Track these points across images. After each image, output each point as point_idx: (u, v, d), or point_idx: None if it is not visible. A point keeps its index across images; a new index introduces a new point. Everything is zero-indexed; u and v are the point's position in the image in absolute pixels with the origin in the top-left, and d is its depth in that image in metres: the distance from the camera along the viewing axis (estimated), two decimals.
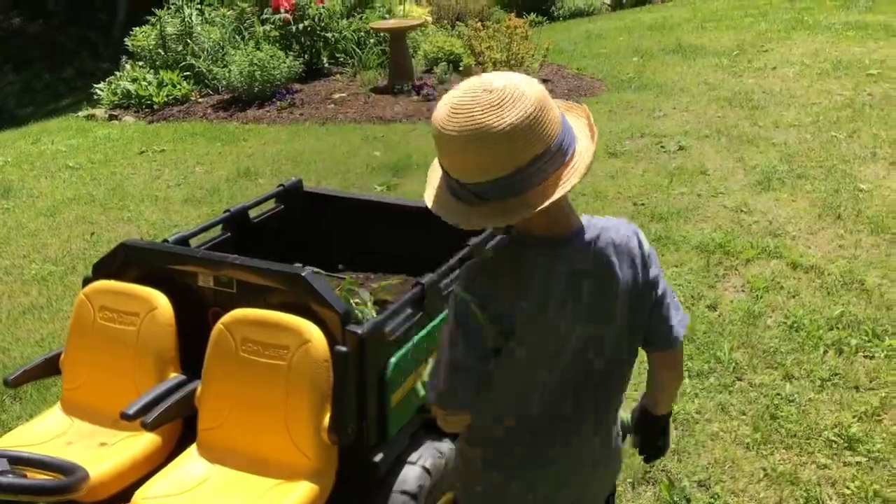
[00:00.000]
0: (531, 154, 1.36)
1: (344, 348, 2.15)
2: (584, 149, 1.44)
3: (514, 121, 1.34)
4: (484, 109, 1.34)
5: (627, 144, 6.42)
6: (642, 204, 5.27)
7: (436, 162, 1.49)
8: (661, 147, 6.29)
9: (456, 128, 1.36)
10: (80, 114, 8.94)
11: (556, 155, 1.38)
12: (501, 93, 1.35)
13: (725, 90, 7.63)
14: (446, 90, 7.18)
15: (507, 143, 1.34)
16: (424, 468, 2.29)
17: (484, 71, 8.10)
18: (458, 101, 1.37)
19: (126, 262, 2.59)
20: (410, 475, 2.27)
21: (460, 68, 8.85)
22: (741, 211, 5.05)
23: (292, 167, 6.51)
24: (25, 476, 1.98)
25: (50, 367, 2.64)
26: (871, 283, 4.10)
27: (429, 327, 2.39)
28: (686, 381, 3.43)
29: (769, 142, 6.20)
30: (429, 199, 1.48)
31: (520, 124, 1.34)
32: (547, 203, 1.37)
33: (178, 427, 2.41)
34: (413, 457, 2.31)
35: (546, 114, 1.37)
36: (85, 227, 5.75)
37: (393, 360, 2.25)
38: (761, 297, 4.05)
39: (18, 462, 2.03)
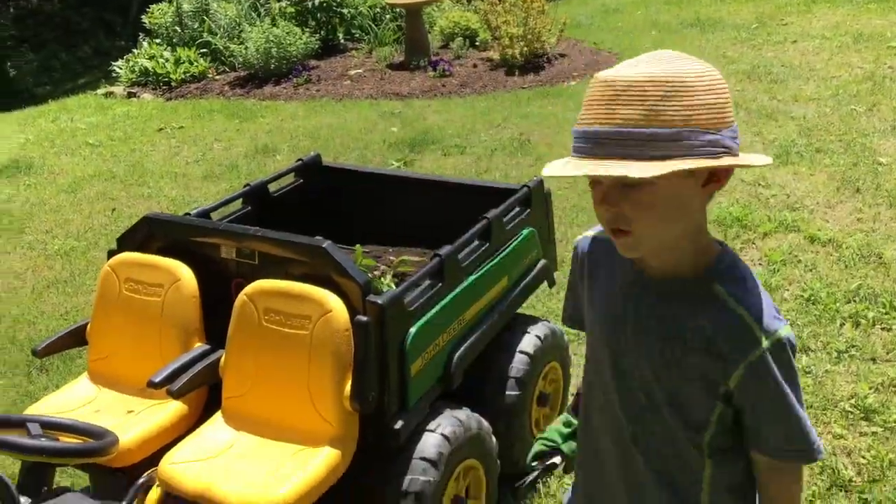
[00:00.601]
0: (730, 117, 1.25)
1: (365, 318, 2.19)
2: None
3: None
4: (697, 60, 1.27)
5: None
6: None
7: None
8: None
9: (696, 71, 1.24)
10: (99, 91, 9.00)
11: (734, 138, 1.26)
12: None
13: (744, 64, 7.56)
14: (462, 66, 7.08)
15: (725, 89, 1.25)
16: (444, 436, 2.33)
17: (500, 45, 8.09)
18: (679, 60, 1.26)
19: (150, 234, 2.63)
20: (430, 442, 2.31)
21: (476, 43, 8.82)
22: (759, 185, 5.03)
23: (310, 143, 6.54)
24: (58, 440, 2.04)
25: (76, 338, 2.70)
26: (890, 256, 4.09)
27: (448, 298, 2.43)
28: None
29: (788, 115, 6.16)
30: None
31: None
32: (766, 162, 1.27)
33: (204, 395, 2.46)
34: (432, 425, 2.35)
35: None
36: (106, 203, 5.81)
37: (413, 330, 2.29)
38: (778, 271, 4.05)
39: (50, 427, 2.09)
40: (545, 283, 2.97)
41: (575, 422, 1.67)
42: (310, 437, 2.21)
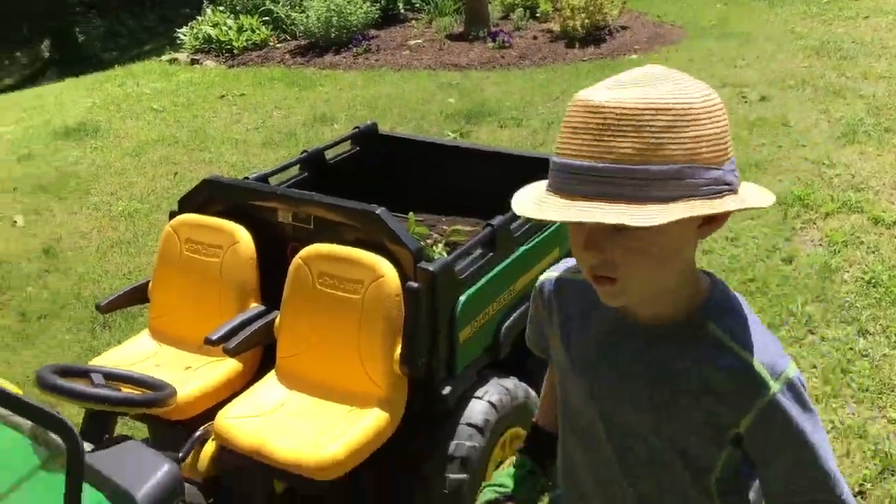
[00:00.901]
0: (731, 147, 1.12)
1: (416, 284, 2.22)
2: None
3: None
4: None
5: None
6: None
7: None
8: (743, 97, 6.12)
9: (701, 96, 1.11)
10: (164, 58, 9.18)
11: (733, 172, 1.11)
12: None
13: (813, 39, 7.34)
14: (522, 37, 6.93)
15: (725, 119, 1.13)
16: (490, 403, 2.36)
17: (561, 16, 7.98)
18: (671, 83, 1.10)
19: (210, 197, 2.70)
20: (477, 409, 2.34)
21: (537, 15, 8.73)
22: (823, 164, 4.91)
23: (368, 113, 6.58)
24: (119, 390, 2.13)
25: (138, 296, 2.79)
26: None
27: (498, 268, 2.44)
28: None
29: (856, 93, 5.97)
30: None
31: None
32: (770, 201, 1.14)
33: (258, 354, 2.53)
34: (479, 392, 2.38)
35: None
36: (168, 167, 5.95)
37: (463, 298, 2.31)
38: (839, 252, 3.96)
39: (113, 377, 2.18)
40: None
41: (528, 463, 1.52)
42: (360, 399, 2.26)
